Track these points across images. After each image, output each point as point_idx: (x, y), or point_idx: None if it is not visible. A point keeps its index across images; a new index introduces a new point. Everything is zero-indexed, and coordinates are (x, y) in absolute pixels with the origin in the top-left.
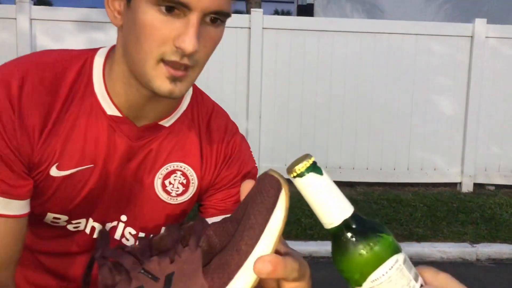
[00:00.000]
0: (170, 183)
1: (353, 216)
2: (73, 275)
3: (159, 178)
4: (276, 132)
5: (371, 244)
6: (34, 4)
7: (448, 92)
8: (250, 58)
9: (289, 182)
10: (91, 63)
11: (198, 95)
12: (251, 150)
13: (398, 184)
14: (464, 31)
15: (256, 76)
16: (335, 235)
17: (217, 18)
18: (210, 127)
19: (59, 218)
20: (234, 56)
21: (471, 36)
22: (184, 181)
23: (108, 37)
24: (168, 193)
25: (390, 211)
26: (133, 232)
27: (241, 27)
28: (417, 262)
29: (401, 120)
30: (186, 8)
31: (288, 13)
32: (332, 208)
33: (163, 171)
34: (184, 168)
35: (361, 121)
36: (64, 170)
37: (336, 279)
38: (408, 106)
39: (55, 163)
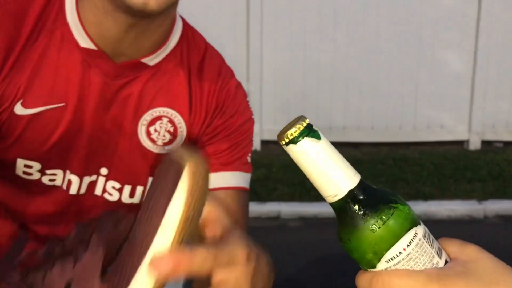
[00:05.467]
0: (155, 130)
1: (360, 185)
2: (47, 238)
3: (143, 125)
4: (278, 93)
5: (384, 217)
6: None
7: (455, 47)
8: (249, 17)
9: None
10: None
11: (189, 32)
12: (248, 99)
13: (404, 143)
14: None
15: (256, 35)
16: (340, 209)
17: None
18: (202, 69)
19: (31, 167)
20: (232, 16)
21: None
22: (172, 129)
23: None
24: (153, 141)
25: (397, 170)
26: (117, 186)
27: None
28: (424, 221)
29: (407, 77)
30: None
31: None
32: (334, 177)
33: (148, 117)
34: (171, 115)
35: (365, 79)
36: (31, 108)
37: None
38: (414, 63)
39: (19, 100)
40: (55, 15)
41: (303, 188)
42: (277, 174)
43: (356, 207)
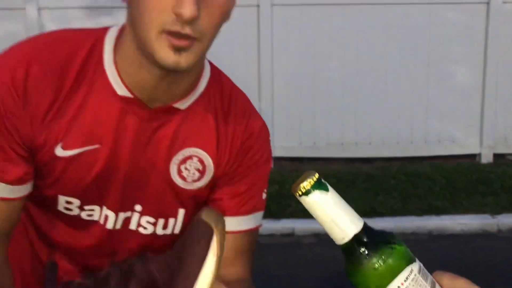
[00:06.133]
0: (186, 168)
1: (364, 229)
2: (86, 268)
3: (175, 164)
4: (289, 110)
5: (384, 256)
6: None
7: (464, 62)
8: (259, 36)
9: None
10: (102, 42)
11: (217, 76)
12: (269, 138)
13: (416, 157)
14: None
15: (267, 54)
16: (347, 250)
17: None
18: (229, 112)
19: (71, 203)
20: (243, 36)
21: (487, 2)
22: (200, 167)
23: (116, 21)
24: (183, 178)
25: (409, 185)
26: (151, 220)
27: (249, 6)
28: (437, 235)
29: (417, 92)
30: None
31: None
32: (342, 224)
33: (179, 156)
34: (201, 154)
35: (376, 95)
36: (70, 150)
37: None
38: (423, 77)
39: (59, 143)
40: (95, 66)
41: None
42: (290, 191)
43: (361, 248)
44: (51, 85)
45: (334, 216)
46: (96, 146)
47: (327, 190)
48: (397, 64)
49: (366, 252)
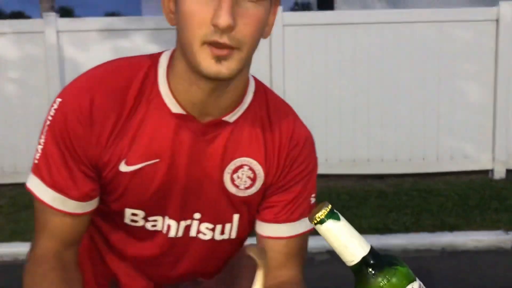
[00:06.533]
0: (238, 177)
1: (370, 252)
2: (154, 276)
3: (228, 173)
4: None
5: (388, 276)
6: (60, 16)
7: (475, 79)
8: (271, 56)
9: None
10: (156, 66)
11: (261, 90)
12: (315, 147)
13: (428, 174)
14: (488, 15)
15: (279, 73)
16: (356, 271)
17: None
18: (274, 122)
19: (136, 215)
20: (255, 55)
21: (497, 20)
22: (251, 175)
23: (132, 44)
24: (236, 186)
25: (421, 201)
26: (210, 226)
27: None
28: (450, 252)
29: (428, 109)
30: None
31: (308, 4)
32: (352, 248)
33: (231, 166)
34: (251, 163)
35: (387, 112)
36: (132, 165)
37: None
38: (434, 95)
39: (123, 159)
40: (150, 88)
41: None
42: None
43: (368, 269)
44: (113, 109)
45: (345, 241)
46: (156, 160)
47: (339, 219)
48: (408, 82)
49: (373, 272)
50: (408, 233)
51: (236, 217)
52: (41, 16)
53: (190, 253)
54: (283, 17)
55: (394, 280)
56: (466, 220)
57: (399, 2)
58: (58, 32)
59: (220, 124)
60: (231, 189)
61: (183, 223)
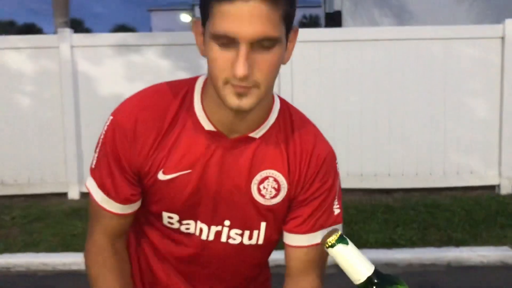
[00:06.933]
0: (264, 187)
1: (374, 273)
2: (189, 277)
3: (255, 184)
4: None
5: None
6: (70, 27)
7: (481, 95)
8: (280, 71)
9: None
10: (193, 90)
11: (285, 108)
12: (337, 162)
13: (435, 189)
14: (494, 32)
15: (287, 88)
16: None
17: (266, 43)
18: (297, 139)
19: (172, 218)
20: None
21: (502, 37)
22: (276, 186)
23: (144, 59)
24: (263, 196)
25: (428, 216)
26: (239, 232)
27: None
28: (456, 267)
29: (434, 125)
30: (235, 41)
31: (316, 18)
32: (358, 269)
33: (258, 177)
34: (275, 175)
35: (394, 127)
36: (169, 174)
37: None
38: (441, 110)
39: (161, 169)
40: (187, 109)
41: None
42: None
43: (372, 287)
44: (154, 126)
45: (353, 263)
46: (189, 171)
47: (347, 243)
48: (415, 97)
49: None
50: (414, 247)
51: (263, 224)
52: (55, 30)
53: (221, 256)
54: None
55: None
56: (472, 236)
57: (406, 19)
58: (72, 47)
59: (246, 139)
60: (258, 198)
61: (213, 228)
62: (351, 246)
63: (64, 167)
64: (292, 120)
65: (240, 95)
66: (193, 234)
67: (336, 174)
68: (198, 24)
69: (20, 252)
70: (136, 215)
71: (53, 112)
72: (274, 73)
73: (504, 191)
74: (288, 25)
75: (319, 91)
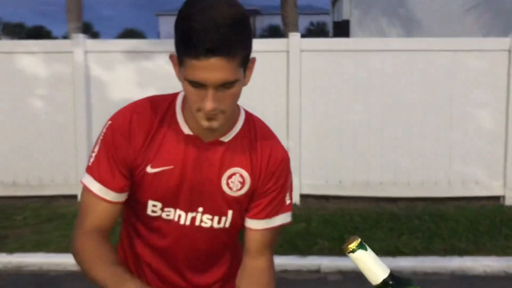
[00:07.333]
0: (232, 181)
1: (390, 275)
2: (169, 257)
3: (224, 179)
4: (316, 150)
5: None
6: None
7: (487, 107)
8: (289, 79)
9: None
10: (175, 101)
11: (249, 118)
12: (290, 168)
13: (439, 198)
14: (501, 45)
15: (296, 96)
16: None
17: (227, 85)
18: (258, 143)
19: (156, 206)
20: (273, 78)
21: (509, 50)
22: (241, 180)
23: (155, 65)
24: (230, 188)
25: (432, 225)
26: (210, 217)
27: (280, 51)
28: (459, 276)
29: (441, 135)
30: (204, 85)
31: (323, 25)
32: (375, 272)
33: (227, 173)
34: (241, 172)
35: (401, 137)
36: (155, 168)
37: None
38: (447, 121)
39: (149, 164)
40: (171, 116)
41: (342, 242)
42: (317, 229)
43: None
44: (144, 128)
45: (370, 266)
46: (171, 166)
47: (366, 249)
48: (422, 108)
49: None
50: (418, 256)
51: (230, 212)
52: (68, 35)
53: (195, 239)
54: (300, 43)
55: None
56: (476, 245)
57: (414, 29)
58: (86, 52)
59: (218, 143)
60: (227, 190)
61: (190, 214)
62: (369, 252)
63: (75, 170)
64: (255, 128)
65: (209, 119)
66: (172, 220)
67: (288, 173)
68: (175, 58)
69: (32, 252)
70: (125, 214)
71: (65, 116)
72: (235, 100)
73: (508, 202)
74: (245, 63)
75: (327, 99)
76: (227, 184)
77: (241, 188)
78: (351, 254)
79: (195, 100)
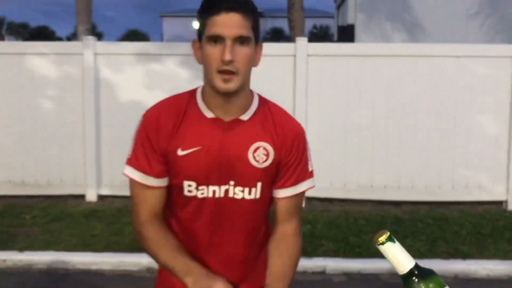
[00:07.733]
0: (257, 155)
1: (415, 266)
2: (201, 239)
3: (250, 153)
4: (321, 153)
5: (427, 282)
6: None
7: (490, 112)
8: (295, 83)
9: None
10: (195, 93)
11: (263, 100)
12: (306, 140)
13: (443, 202)
14: (505, 51)
15: (302, 99)
16: (405, 278)
17: (242, 40)
18: (276, 119)
19: (191, 185)
20: (280, 82)
21: None
22: (266, 153)
23: (164, 67)
24: (257, 161)
25: (436, 229)
26: (241, 189)
27: (287, 56)
28: (462, 279)
29: (444, 139)
30: (222, 38)
31: (326, 28)
32: (402, 262)
33: (252, 147)
34: (264, 145)
35: (405, 141)
36: (185, 151)
37: None
38: (451, 126)
39: (179, 147)
40: (193, 105)
41: (347, 244)
42: (322, 231)
43: (413, 277)
44: (172, 119)
45: (398, 257)
46: (199, 147)
47: (394, 242)
48: (426, 113)
49: (416, 280)
50: (422, 259)
51: (259, 184)
52: (76, 36)
53: (230, 214)
54: (307, 47)
55: (431, 285)
56: (479, 249)
57: (418, 34)
58: (95, 54)
59: (238, 121)
60: (253, 163)
61: (223, 187)
62: (397, 244)
63: (83, 170)
64: (269, 107)
65: (226, 81)
66: (206, 197)
67: (306, 143)
68: (196, 42)
69: (42, 250)
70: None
71: (74, 117)
72: (248, 64)
73: (511, 206)
74: (256, 36)
75: (333, 103)
76: (254, 157)
77: (266, 160)
78: (380, 246)
79: (215, 58)
